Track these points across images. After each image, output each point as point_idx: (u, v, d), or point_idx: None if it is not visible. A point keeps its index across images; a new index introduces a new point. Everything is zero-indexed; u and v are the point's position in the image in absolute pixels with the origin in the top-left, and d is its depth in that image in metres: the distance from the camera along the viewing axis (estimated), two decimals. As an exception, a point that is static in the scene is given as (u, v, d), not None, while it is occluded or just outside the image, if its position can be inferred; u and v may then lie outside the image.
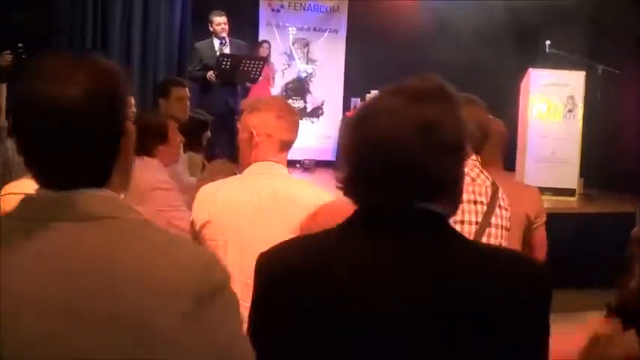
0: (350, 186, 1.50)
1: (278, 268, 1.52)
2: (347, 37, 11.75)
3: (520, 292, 1.41)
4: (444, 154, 1.42)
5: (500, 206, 2.77)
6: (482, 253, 1.51)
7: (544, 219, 3.66)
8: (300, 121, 2.97)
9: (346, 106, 11.46)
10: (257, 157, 2.81)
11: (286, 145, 2.84)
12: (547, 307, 1.43)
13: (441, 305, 1.38)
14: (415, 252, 1.43)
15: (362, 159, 1.47)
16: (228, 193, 2.79)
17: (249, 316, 1.53)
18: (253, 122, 2.81)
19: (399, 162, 1.41)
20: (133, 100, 6.60)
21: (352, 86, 11.53)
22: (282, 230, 2.56)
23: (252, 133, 2.79)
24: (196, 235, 2.76)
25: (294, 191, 2.79)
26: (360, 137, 1.47)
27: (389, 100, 1.46)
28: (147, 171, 3.93)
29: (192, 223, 2.80)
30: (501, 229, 2.77)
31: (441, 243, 1.45)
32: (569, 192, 7.97)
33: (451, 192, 1.49)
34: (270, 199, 2.72)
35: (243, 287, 2.61)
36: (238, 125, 2.96)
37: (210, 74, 8.33)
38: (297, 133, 2.88)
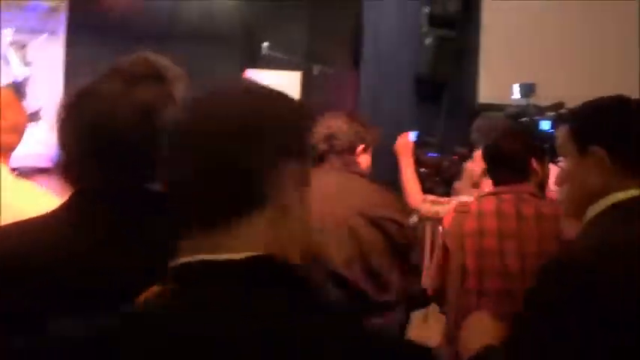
0: (66, 170, 1.46)
1: None
2: (67, 38, 11.29)
3: None
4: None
5: None
6: None
7: None
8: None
9: (68, 111, 11.04)
10: None
11: (8, 148, 2.63)
12: None
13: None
14: (132, 232, 1.39)
15: (79, 144, 1.43)
16: None
17: None
18: None
19: (117, 147, 1.38)
20: None
21: (74, 89, 11.14)
22: None
23: None
24: None
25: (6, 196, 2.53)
26: (76, 121, 1.44)
27: (104, 84, 1.45)
28: None
29: None
30: None
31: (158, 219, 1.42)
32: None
33: None
34: None
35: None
36: None
37: None
38: (22, 135, 2.69)
